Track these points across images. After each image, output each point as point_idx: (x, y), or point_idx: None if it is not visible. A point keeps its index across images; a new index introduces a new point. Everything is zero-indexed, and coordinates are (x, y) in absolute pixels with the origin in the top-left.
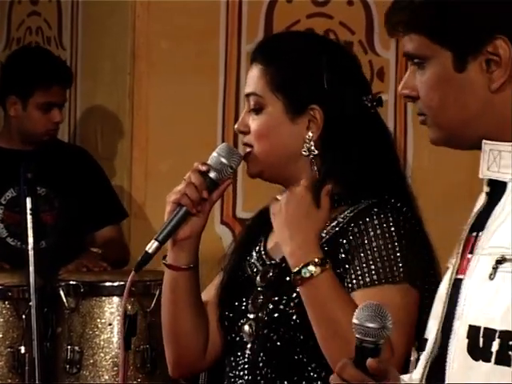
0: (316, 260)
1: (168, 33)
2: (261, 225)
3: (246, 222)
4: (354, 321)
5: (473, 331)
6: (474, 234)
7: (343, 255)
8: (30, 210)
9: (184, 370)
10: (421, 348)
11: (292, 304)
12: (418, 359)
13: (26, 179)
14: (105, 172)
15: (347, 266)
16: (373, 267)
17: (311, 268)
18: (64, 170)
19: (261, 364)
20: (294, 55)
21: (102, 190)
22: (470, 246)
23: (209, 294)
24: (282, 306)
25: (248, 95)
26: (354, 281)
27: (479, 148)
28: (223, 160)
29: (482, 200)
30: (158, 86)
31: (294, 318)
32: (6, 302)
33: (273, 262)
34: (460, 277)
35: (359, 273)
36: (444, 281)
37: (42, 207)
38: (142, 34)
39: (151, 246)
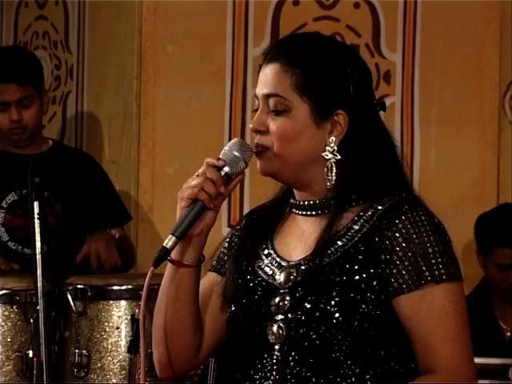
0: None
1: (175, 37)
2: (260, 226)
3: (237, 225)
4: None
5: None
6: None
7: (388, 256)
8: (38, 214)
9: (174, 370)
10: None
11: (333, 302)
12: None
13: (33, 183)
14: (108, 176)
15: (392, 267)
16: (417, 269)
17: None
18: (67, 173)
19: (292, 363)
20: (320, 59)
21: (105, 193)
22: None
23: (201, 295)
24: (322, 305)
25: (268, 96)
26: (404, 285)
27: None
28: (237, 154)
29: None
30: (165, 90)
31: (337, 316)
32: (14, 307)
33: (292, 263)
34: None
35: (407, 276)
36: None
37: (45, 210)
38: (148, 38)
39: (169, 241)
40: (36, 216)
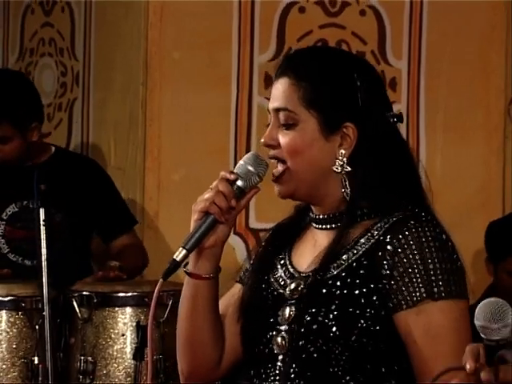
0: None
1: (180, 43)
2: (281, 238)
3: (264, 236)
4: (476, 322)
5: None
6: None
7: (388, 271)
8: (43, 221)
9: (196, 380)
10: None
11: (331, 316)
12: None
13: (39, 190)
14: (113, 181)
15: (392, 283)
16: (417, 285)
17: None
18: (70, 181)
19: (292, 375)
20: (327, 71)
21: (110, 199)
22: None
23: (224, 304)
24: (320, 318)
25: (278, 110)
26: (402, 301)
27: None
28: (250, 168)
29: None
30: (171, 96)
31: (334, 329)
32: (20, 313)
33: (302, 274)
34: None
35: (406, 293)
36: None
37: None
38: (154, 45)
39: (179, 253)
40: (42, 223)
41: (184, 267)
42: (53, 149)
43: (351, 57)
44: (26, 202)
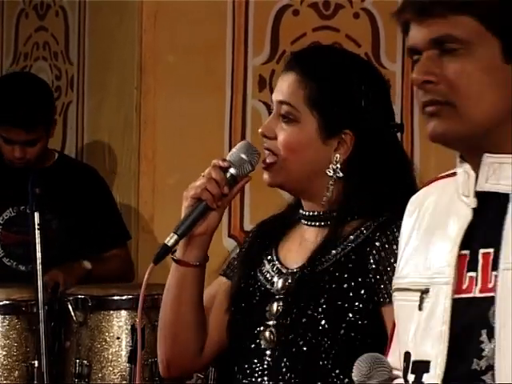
0: None
1: (175, 47)
2: (268, 234)
3: (248, 233)
4: (354, 377)
5: None
6: (488, 250)
7: (374, 265)
8: (38, 224)
9: (176, 369)
10: (416, 370)
11: (320, 309)
12: (420, 382)
13: (34, 194)
14: (111, 192)
15: (378, 277)
16: None
17: None
18: (69, 189)
19: (284, 369)
20: (336, 74)
21: (107, 212)
22: (466, 264)
23: (208, 296)
24: (309, 312)
25: (281, 102)
26: (386, 295)
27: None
28: (243, 156)
29: (464, 216)
30: (165, 100)
31: (323, 323)
32: (20, 317)
33: (290, 270)
34: (464, 296)
35: (390, 287)
36: (431, 302)
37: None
38: (148, 49)
39: (170, 238)
40: (37, 227)
41: (172, 254)
42: (56, 155)
43: (362, 63)
44: (22, 207)
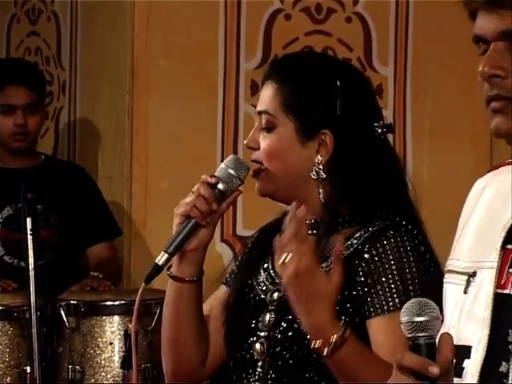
0: (334, 337)
1: (167, 52)
2: (266, 242)
3: (248, 240)
4: (402, 319)
5: None
6: None
7: (362, 278)
8: (30, 230)
9: (181, 380)
10: (457, 355)
11: None
12: (460, 367)
13: (26, 199)
14: (100, 190)
15: (366, 290)
16: (391, 293)
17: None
18: (61, 187)
19: (270, 382)
20: (309, 78)
21: (96, 207)
22: (510, 259)
23: (209, 306)
24: (296, 325)
25: (260, 113)
26: (372, 308)
27: None
28: (231, 171)
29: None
30: (158, 105)
31: (308, 337)
32: (12, 323)
33: (283, 280)
34: (499, 291)
35: (378, 300)
36: (476, 286)
37: (39, 223)
38: (140, 53)
39: (161, 257)
40: (29, 232)
41: (168, 270)
42: (43, 156)
43: (337, 63)
44: (20, 205)
